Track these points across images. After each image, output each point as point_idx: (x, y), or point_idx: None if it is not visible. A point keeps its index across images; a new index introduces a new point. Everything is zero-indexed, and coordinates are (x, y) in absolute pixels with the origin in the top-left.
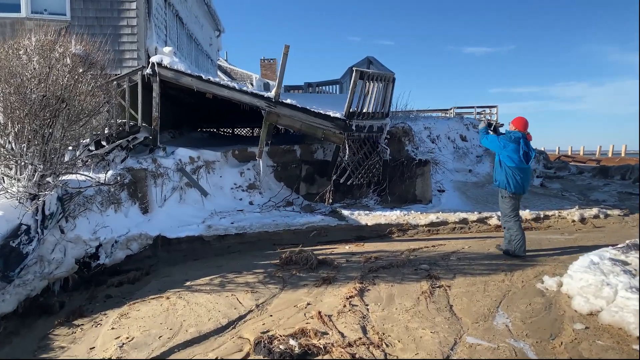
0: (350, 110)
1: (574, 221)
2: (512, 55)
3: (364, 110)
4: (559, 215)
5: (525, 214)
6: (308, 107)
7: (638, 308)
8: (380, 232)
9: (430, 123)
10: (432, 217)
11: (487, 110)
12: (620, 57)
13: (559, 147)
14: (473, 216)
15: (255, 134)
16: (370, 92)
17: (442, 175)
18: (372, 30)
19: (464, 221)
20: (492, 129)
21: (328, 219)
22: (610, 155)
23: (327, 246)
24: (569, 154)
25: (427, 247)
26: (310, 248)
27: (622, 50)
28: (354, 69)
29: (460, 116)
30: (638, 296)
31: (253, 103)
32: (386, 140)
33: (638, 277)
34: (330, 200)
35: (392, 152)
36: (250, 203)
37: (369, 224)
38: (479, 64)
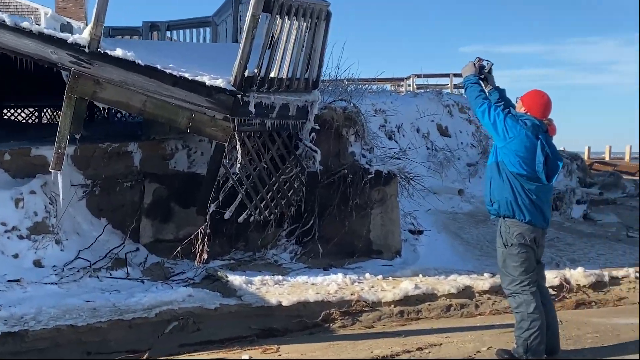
0: (246, 74)
1: None
2: None
3: (273, 75)
4: (637, 277)
5: (576, 275)
6: (159, 67)
7: None
8: (309, 320)
9: (384, 102)
10: (406, 285)
11: None
12: None
13: (589, 148)
14: (482, 281)
15: (48, 120)
16: (284, 38)
17: (414, 201)
18: None
19: (467, 292)
20: (484, 77)
21: (201, 295)
22: None
23: (204, 355)
24: (607, 158)
25: (409, 350)
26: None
27: None
28: None
29: (437, 91)
30: None
31: (44, 55)
32: (313, 134)
33: None
34: (205, 256)
35: (326, 158)
36: (37, 264)
37: (285, 303)
38: (443, 5)
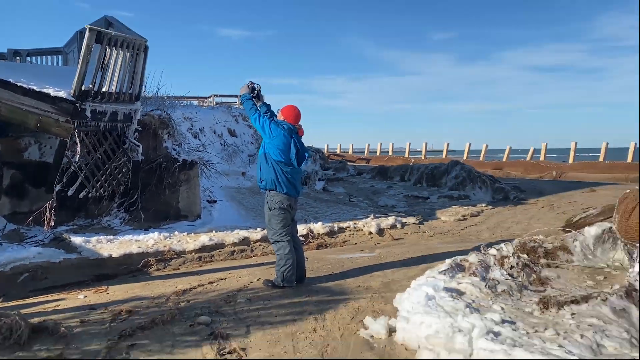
0: (83, 88)
1: (371, 233)
2: (271, 42)
3: (104, 90)
4: (355, 227)
5: (318, 227)
6: (12, 81)
7: None
8: (133, 267)
9: (191, 112)
10: (203, 238)
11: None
12: (375, 52)
13: (327, 145)
14: (256, 233)
15: None
16: (113, 63)
17: (211, 180)
18: None
19: (246, 241)
20: (255, 95)
21: (49, 252)
22: (378, 153)
23: (49, 297)
24: (339, 152)
25: (203, 284)
26: (19, 303)
27: (377, 46)
28: (88, 27)
29: (228, 106)
30: (502, 345)
31: None
32: (137, 133)
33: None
34: (52, 223)
35: (146, 151)
36: None
37: (115, 255)
38: (236, 49)
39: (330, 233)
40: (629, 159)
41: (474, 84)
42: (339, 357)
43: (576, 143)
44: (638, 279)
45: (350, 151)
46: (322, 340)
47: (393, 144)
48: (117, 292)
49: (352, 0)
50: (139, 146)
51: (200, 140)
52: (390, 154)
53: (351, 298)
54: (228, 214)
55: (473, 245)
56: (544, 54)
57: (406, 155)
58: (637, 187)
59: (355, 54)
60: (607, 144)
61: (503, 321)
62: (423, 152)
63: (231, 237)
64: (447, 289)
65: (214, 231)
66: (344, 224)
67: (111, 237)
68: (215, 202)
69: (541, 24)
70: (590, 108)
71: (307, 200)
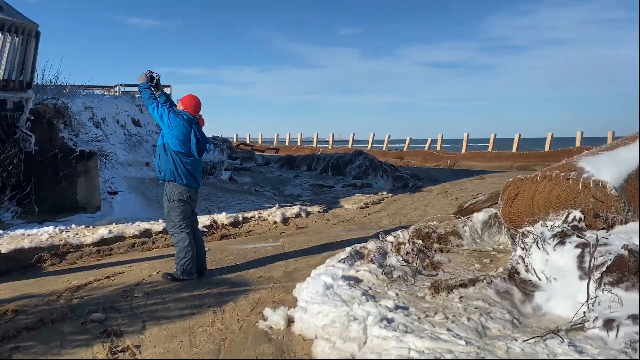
0: None
1: (275, 222)
2: (180, 32)
3: None
4: (259, 217)
5: (221, 217)
6: None
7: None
8: (24, 262)
9: (92, 102)
10: (102, 231)
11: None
12: (284, 45)
13: (237, 135)
14: (158, 225)
15: None
16: None
17: (113, 171)
18: None
19: (147, 233)
20: (154, 84)
21: None
22: (287, 143)
23: None
24: (248, 141)
25: (99, 279)
26: None
27: (286, 39)
28: None
29: (132, 95)
30: (394, 332)
31: None
32: (29, 123)
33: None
34: None
35: (40, 141)
36: None
37: (4, 250)
38: (145, 38)
39: (235, 223)
40: (514, 149)
41: (378, 77)
42: (236, 350)
43: (468, 134)
44: (519, 262)
45: (260, 141)
46: (220, 333)
47: (302, 134)
48: (3, 290)
49: None
50: (31, 136)
51: (102, 130)
52: (298, 143)
53: (252, 289)
54: (129, 206)
55: (374, 232)
56: (441, 51)
57: (314, 145)
58: (520, 176)
59: (264, 46)
60: (495, 135)
61: (397, 307)
62: (330, 142)
63: (132, 229)
64: (345, 277)
65: (114, 223)
66: (248, 214)
67: (0, 231)
68: (116, 193)
69: (438, 23)
70: (481, 102)
71: (212, 191)
